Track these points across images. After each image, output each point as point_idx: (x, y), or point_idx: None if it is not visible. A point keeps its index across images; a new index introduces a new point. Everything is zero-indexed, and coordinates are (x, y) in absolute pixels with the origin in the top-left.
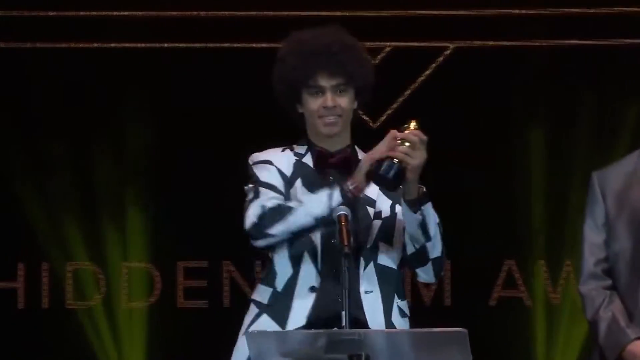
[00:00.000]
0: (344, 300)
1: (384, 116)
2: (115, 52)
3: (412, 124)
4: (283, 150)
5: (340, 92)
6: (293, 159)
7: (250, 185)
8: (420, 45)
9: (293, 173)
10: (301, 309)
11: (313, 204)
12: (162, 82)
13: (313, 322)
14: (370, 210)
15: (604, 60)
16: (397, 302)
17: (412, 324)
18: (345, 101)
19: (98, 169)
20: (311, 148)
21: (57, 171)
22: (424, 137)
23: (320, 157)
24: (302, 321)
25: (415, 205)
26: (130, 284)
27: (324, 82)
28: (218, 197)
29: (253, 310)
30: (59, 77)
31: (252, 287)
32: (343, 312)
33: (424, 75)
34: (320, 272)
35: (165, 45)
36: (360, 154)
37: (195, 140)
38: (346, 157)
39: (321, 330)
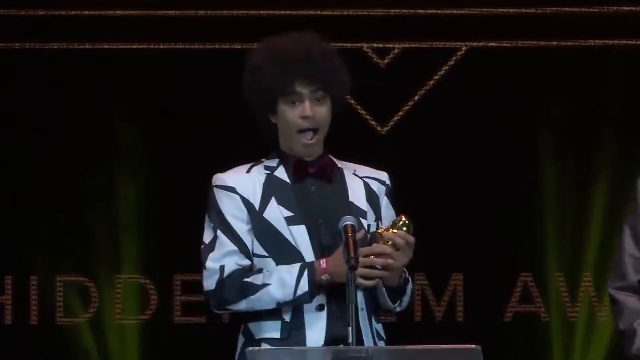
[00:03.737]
0: (350, 315)
1: (393, 121)
2: (108, 53)
3: (401, 224)
4: (249, 170)
5: (318, 100)
6: (263, 175)
7: (210, 223)
8: (431, 46)
9: (264, 193)
10: (316, 333)
11: (277, 290)
12: (157, 86)
13: (331, 343)
14: (364, 223)
15: (626, 61)
16: (374, 324)
17: (424, 340)
18: (323, 111)
19: (90, 177)
20: (284, 160)
21: (47, 178)
22: (412, 240)
23: (299, 167)
24: (321, 345)
25: (394, 294)
26: (124, 298)
27: (303, 89)
28: None
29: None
30: (49, 80)
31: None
32: (350, 328)
33: (435, 78)
34: (323, 287)
35: (162, 46)
36: (338, 162)
37: (193, 147)
38: (325, 165)
39: (326, 347)
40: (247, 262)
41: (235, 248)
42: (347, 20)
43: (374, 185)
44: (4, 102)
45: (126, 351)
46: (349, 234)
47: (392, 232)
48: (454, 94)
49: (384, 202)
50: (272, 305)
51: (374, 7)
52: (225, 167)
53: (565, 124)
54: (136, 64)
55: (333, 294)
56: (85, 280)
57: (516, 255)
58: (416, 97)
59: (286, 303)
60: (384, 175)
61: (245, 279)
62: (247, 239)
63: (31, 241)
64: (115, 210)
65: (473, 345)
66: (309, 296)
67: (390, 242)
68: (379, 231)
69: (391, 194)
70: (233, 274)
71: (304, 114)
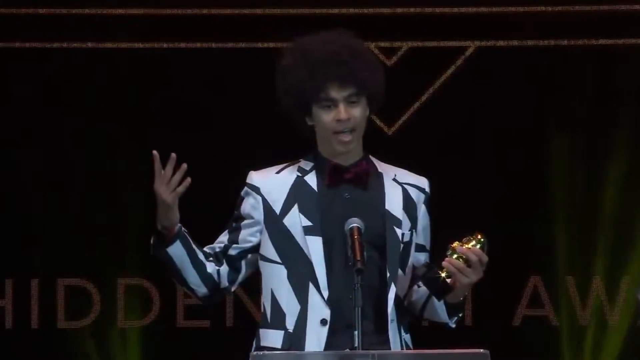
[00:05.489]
0: (355, 319)
1: (400, 122)
2: (111, 52)
3: (476, 241)
4: (280, 171)
5: (352, 102)
6: (292, 178)
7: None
8: (438, 45)
9: (289, 198)
10: (314, 346)
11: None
12: (161, 86)
13: None
14: (398, 232)
15: (635, 60)
16: (404, 335)
17: (430, 345)
18: (358, 112)
19: (92, 178)
20: (320, 164)
21: (47, 179)
22: (485, 258)
23: (335, 172)
24: None
25: (453, 310)
26: (127, 301)
27: (335, 93)
28: (220, 207)
29: None
30: (50, 79)
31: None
32: (355, 332)
33: (442, 78)
34: (327, 302)
35: (165, 45)
36: (379, 165)
37: (196, 149)
38: (361, 171)
39: (332, 352)
40: (216, 245)
41: (225, 238)
42: (354, 19)
43: (413, 193)
44: (4, 101)
45: (128, 355)
46: (355, 237)
47: (467, 247)
48: (461, 94)
49: (422, 210)
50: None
51: (380, 5)
52: (231, 171)
53: (575, 123)
54: (138, 63)
55: (338, 310)
56: (87, 283)
57: (525, 257)
58: (423, 97)
59: (158, 259)
60: (424, 182)
61: None
62: (246, 235)
63: (32, 244)
64: (118, 212)
65: (482, 350)
66: (153, 247)
67: (463, 258)
68: (453, 245)
69: (430, 201)
70: None
71: (339, 117)
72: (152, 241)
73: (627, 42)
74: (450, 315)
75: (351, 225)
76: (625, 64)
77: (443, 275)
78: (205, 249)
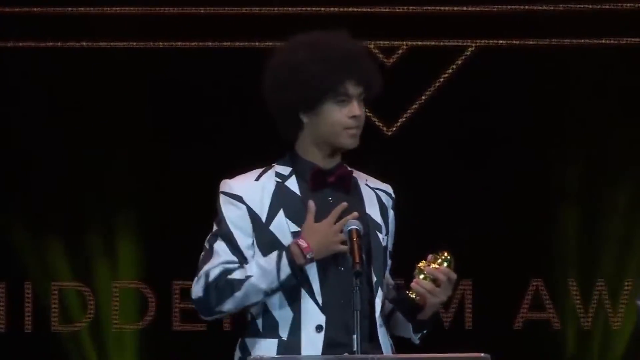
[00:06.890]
0: (355, 323)
1: (399, 122)
2: (105, 51)
3: (442, 260)
4: (258, 178)
5: (360, 101)
6: (273, 184)
7: (214, 230)
8: (438, 45)
9: (273, 204)
10: (310, 353)
11: (260, 279)
12: (156, 85)
13: None
14: (380, 237)
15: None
16: (389, 340)
17: (431, 349)
18: (363, 111)
19: (87, 179)
20: (300, 168)
21: (42, 180)
22: (454, 276)
23: (317, 176)
24: None
25: (420, 327)
26: (122, 305)
27: (352, 89)
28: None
29: None
30: (44, 80)
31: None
32: (354, 336)
33: (442, 77)
34: (322, 308)
35: (160, 44)
36: (355, 173)
37: (191, 149)
38: (344, 174)
39: (331, 356)
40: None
41: (234, 258)
42: (353, 18)
43: (384, 198)
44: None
45: (124, 359)
46: (354, 239)
47: (435, 267)
48: (462, 94)
49: (391, 215)
50: (259, 297)
51: (379, 4)
52: (228, 170)
53: (577, 124)
54: (134, 63)
55: (333, 316)
56: (82, 286)
57: (527, 260)
58: (423, 97)
59: (273, 291)
60: (389, 188)
61: (229, 277)
62: (248, 252)
63: (25, 246)
64: (113, 215)
65: (482, 354)
66: (294, 277)
67: (430, 278)
68: (420, 265)
69: (396, 207)
70: (218, 275)
71: (354, 113)
72: (290, 260)
73: (630, 42)
74: (415, 332)
75: (350, 227)
76: (627, 64)
77: (412, 296)
78: (230, 276)
